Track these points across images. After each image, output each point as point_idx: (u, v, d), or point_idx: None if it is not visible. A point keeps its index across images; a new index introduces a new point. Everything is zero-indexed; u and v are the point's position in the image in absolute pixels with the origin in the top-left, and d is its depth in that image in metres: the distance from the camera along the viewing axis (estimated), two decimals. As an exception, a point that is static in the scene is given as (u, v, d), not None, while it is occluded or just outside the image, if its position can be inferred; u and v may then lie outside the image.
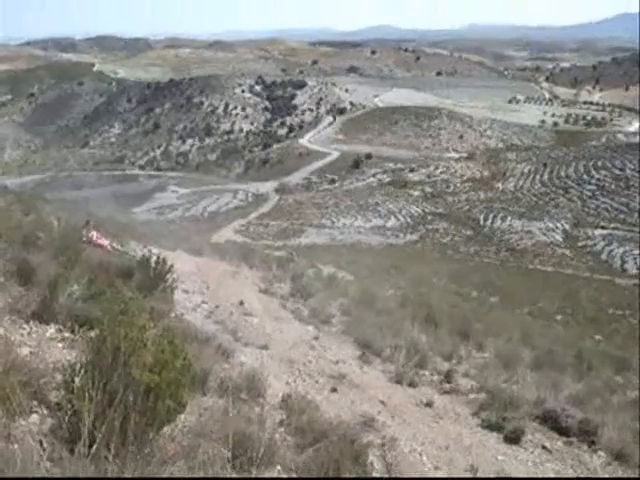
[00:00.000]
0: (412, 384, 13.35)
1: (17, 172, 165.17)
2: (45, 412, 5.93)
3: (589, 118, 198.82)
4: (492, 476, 9.19)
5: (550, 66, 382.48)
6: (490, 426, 11.34)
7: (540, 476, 9.81)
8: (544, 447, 10.82)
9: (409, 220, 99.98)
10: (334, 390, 11.52)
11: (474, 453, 10.07)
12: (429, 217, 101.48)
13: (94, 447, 4.61)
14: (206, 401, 7.70)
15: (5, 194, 23.58)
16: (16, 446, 4.89)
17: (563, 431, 11.52)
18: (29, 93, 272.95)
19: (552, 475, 9.89)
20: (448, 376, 14.39)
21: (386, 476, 8.17)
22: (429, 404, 12.18)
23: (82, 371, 5.47)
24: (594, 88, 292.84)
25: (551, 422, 11.82)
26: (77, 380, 5.40)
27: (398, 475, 8.34)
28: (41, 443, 5.15)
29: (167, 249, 23.10)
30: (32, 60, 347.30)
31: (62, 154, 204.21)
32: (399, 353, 15.19)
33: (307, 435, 7.56)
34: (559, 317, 42.96)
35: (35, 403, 6.00)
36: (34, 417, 5.78)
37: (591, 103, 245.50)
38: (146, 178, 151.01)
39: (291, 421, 8.08)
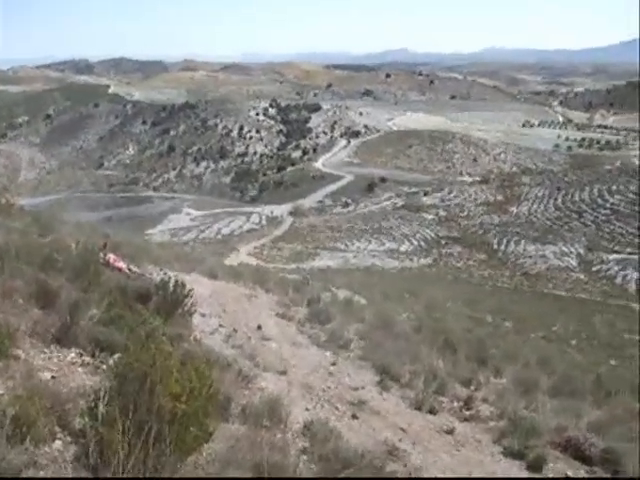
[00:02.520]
0: (432, 411, 13.25)
1: (32, 193, 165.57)
2: (68, 439, 5.87)
3: (603, 142, 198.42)
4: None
5: (564, 90, 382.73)
6: (512, 454, 11.22)
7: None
8: (567, 476, 10.69)
9: (423, 244, 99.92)
10: (354, 417, 11.42)
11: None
12: (443, 241, 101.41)
13: (124, 475, 4.54)
14: (229, 428, 7.63)
15: (22, 215, 23.53)
16: (42, 473, 4.83)
17: (586, 460, 11.39)
18: (45, 114, 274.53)
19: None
20: (467, 402, 14.28)
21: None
22: (450, 431, 12.07)
23: (106, 398, 5.41)
24: (608, 112, 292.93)
25: (573, 450, 11.69)
26: (101, 407, 5.34)
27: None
28: (67, 471, 5.09)
29: (182, 272, 23.04)
30: (49, 82, 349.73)
31: (77, 175, 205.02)
32: (418, 379, 15.10)
33: (332, 463, 7.47)
34: (574, 342, 42.67)
35: (58, 429, 5.95)
36: (57, 443, 5.72)
37: (605, 127, 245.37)
38: (160, 200, 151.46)
39: (314, 449, 7.99)
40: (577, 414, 14.19)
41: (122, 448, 4.73)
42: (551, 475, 10.69)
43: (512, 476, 10.40)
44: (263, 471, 5.81)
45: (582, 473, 10.92)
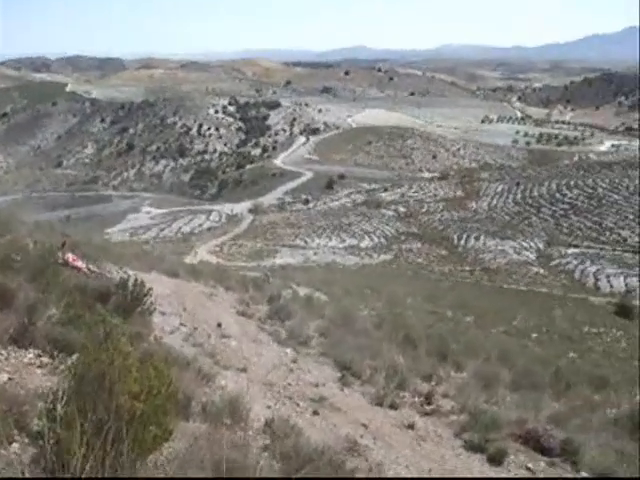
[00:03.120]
0: (393, 406, 13.28)
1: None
2: (26, 440, 5.82)
3: (561, 137, 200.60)
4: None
5: (522, 86, 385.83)
6: (473, 447, 11.29)
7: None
8: (527, 468, 10.78)
9: (383, 240, 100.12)
10: (315, 413, 11.43)
11: (458, 476, 10.01)
12: (403, 237, 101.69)
13: (82, 477, 4.50)
14: (190, 426, 7.60)
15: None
16: (-1, 477, 4.79)
17: (545, 452, 11.48)
18: (2, 113, 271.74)
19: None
20: (428, 397, 14.34)
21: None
22: (411, 426, 12.12)
23: (64, 398, 5.37)
24: (566, 108, 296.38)
25: (533, 442, 11.78)
26: (59, 408, 5.29)
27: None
28: (23, 473, 5.04)
29: (142, 270, 22.91)
30: (5, 80, 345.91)
31: (35, 174, 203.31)
32: (379, 375, 15.15)
33: (292, 461, 7.46)
34: (534, 335, 42.95)
35: (16, 431, 5.89)
36: (14, 446, 5.67)
37: (563, 122, 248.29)
38: (119, 199, 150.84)
39: (275, 446, 7.98)
40: (537, 407, 14.32)
41: (80, 448, 4.69)
42: (512, 468, 10.77)
43: (475, 471, 10.45)
44: (223, 469, 5.78)
45: (542, 465, 11.01)
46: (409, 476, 9.47)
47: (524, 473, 10.60)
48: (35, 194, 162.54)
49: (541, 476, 10.57)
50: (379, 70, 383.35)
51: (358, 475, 8.02)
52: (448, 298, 55.16)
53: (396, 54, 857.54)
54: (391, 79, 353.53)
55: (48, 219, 65.89)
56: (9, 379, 7.30)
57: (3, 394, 6.23)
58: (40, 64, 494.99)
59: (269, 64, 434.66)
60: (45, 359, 8.52)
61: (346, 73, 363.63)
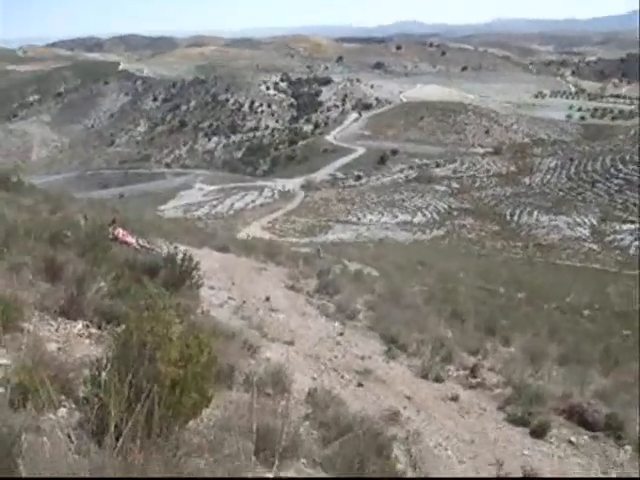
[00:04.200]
0: (438, 379, 13.37)
1: (44, 171, 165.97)
2: (73, 406, 6.02)
3: (616, 111, 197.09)
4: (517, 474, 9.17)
5: (576, 60, 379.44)
6: (515, 421, 11.35)
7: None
8: (570, 442, 10.81)
9: (435, 216, 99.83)
10: (360, 385, 11.55)
11: (499, 447, 10.09)
12: (455, 212, 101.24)
13: (121, 440, 4.66)
14: (232, 395, 7.76)
15: (34, 193, 23.74)
16: (44, 438, 4.96)
17: (589, 426, 11.49)
18: (56, 93, 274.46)
19: (577, 470, 9.88)
20: (474, 371, 14.38)
21: (410, 470, 8.20)
22: (455, 399, 12.20)
23: (109, 366, 5.54)
24: (621, 81, 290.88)
25: (577, 417, 11.79)
26: (103, 375, 5.46)
27: (422, 468, 8.38)
28: (69, 436, 5.22)
29: (194, 246, 23.16)
30: (59, 60, 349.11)
31: (89, 153, 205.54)
32: (425, 348, 15.22)
33: (332, 429, 7.60)
34: (587, 312, 42.61)
35: (63, 397, 6.09)
36: (62, 411, 5.86)
37: (618, 96, 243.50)
38: (172, 176, 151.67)
39: (316, 415, 8.12)
40: (583, 382, 14.28)
41: (119, 412, 4.85)
42: (554, 441, 10.80)
43: (515, 442, 10.51)
44: (261, 436, 5.92)
45: (585, 439, 11.03)
46: (449, 448, 9.57)
47: (566, 446, 10.64)
48: (89, 172, 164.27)
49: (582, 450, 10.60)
50: (431, 45, 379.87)
51: (396, 443, 8.15)
52: (500, 274, 54.95)
53: (448, 28, 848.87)
54: (443, 54, 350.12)
55: (101, 196, 66.72)
56: (58, 349, 7.51)
57: (52, 363, 6.42)
58: (93, 44, 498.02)
59: (320, 40, 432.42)
60: (93, 330, 8.73)
61: (398, 48, 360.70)
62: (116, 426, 4.75)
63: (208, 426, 6.16)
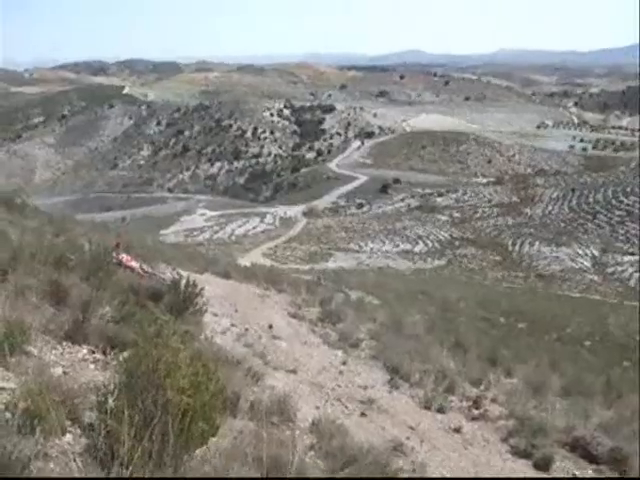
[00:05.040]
0: (441, 410, 13.32)
1: (47, 193, 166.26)
2: (78, 432, 5.99)
3: (618, 143, 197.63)
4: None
5: (579, 91, 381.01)
6: (519, 453, 11.28)
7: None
8: (574, 475, 10.75)
9: (437, 245, 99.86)
10: (363, 415, 11.50)
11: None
12: (457, 242, 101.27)
13: (130, 468, 4.64)
14: (237, 424, 7.73)
15: (37, 215, 23.75)
16: (52, 465, 4.94)
17: (593, 459, 11.43)
18: (60, 115, 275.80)
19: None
20: (477, 402, 14.33)
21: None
22: (458, 430, 12.15)
23: (116, 392, 5.52)
24: (623, 113, 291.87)
25: (581, 450, 11.74)
26: (110, 401, 5.45)
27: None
28: (76, 462, 5.20)
29: (195, 272, 23.16)
30: (64, 83, 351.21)
31: (92, 176, 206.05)
32: (428, 378, 15.17)
33: (337, 459, 7.56)
34: (587, 343, 42.54)
35: (69, 423, 6.06)
36: (68, 437, 5.83)
37: (620, 128, 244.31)
38: (174, 200, 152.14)
39: (321, 445, 8.08)
40: (586, 414, 14.25)
41: (129, 440, 4.83)
42: (558, 474, 10.75)
43: (520, 475, 10.45)
44: (266, 466, 5.90)
45: (589, 472, 10.98)
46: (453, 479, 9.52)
47: (571, 480, 10.59)
48: (91, 195, 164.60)
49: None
50: (434, 74, 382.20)
51: (401, 476, 8.10)
52: (501, 304, 54.83)
53: (451, 58, 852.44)
54: (446, 83, 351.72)
55: (103, 219, 66.75)
56: (64, 373, 7.49)
57: (58, 387, 6.40)
58: (98, 67, 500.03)
59: (324, 68, 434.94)
60: (98, 355, 8.70)
61: (401, 77, 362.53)
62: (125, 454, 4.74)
63: (215, 455, 6.14)
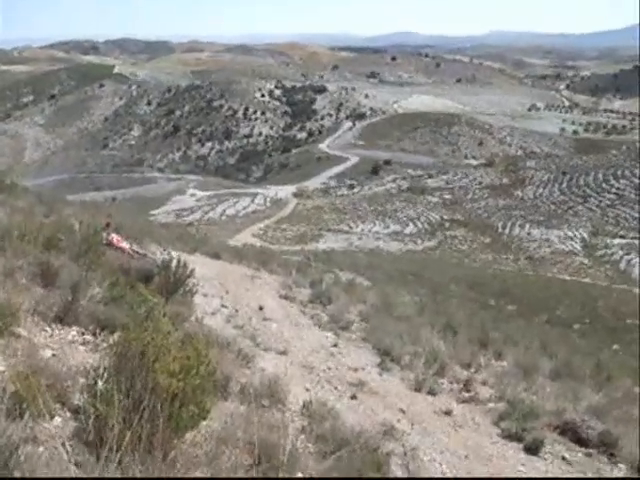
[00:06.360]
0: (431, 392, 13.28)
1: (37, 173, 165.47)
2: (68, 415, 5.94)
3: (609, 126, 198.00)
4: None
5: (570, 74, 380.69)
6: (510, 436, 11.27)
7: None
8: (564, 458, 10.74)
9: (427, 226, 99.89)
10: (354, 397, 11.46)
11: (494, 463, 10.02)
12: (447, 224, 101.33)
13: (120, 452, 4.60)
14: (228, 406, 7.69)
15: (27, 195, 23.64)
16: (41, 449, 4.90)
17: (583, 442, 11.41)
18: (50, 94, 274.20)
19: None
20: (467, 385, 14.31)
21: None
22: (448, 413, 12.12)
23: (105, 375, 5.47)
24: (615, 96, 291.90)
25: (571, 433, 11.71)
26: (100, 384, 5.40)
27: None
28: (64, 446, 5.15)
29: (186, 252, 23.10)
30: (54, 62, 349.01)
31: (82, 156, 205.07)
32: (418, 361, 15.14)
33: (329, 443, 7.54)
34: (577, 326, 42.66)
35: (58, 406, 6.01)
36: (57, 420, 5.78)
37: (611, 111, 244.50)
38: (165, 181, 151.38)
39: (312, 428, 8.06)
40: (576, 397, 14.23)
41: (118, 423, 4.79)
42: (548, 457, 10.75)
43: (512, 460, 10.45)
44: (258, 450, 5.86)
45: (579, 456, 10.97)
46: (444, 464, 9.51)
47: (560, 463, 10.58)
48: (81, 175, 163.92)
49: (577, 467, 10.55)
50: (426, 56, 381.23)
51: (393, 458, 8.09)
52: (491, 286, 54.94)
53: (443, 40, 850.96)
54: (438, 65, 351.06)
55: (94, 200, 66.51)
56: (53, 355, 7.43)
57: (46, 370, 6.35)
58: (88, 47, 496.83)
59: (316, 48, 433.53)
60: (88, 337, 8.65)
61: (393, 59, 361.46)
62: (115, 438, 4.69)
63: (206, 438, 6.10)
